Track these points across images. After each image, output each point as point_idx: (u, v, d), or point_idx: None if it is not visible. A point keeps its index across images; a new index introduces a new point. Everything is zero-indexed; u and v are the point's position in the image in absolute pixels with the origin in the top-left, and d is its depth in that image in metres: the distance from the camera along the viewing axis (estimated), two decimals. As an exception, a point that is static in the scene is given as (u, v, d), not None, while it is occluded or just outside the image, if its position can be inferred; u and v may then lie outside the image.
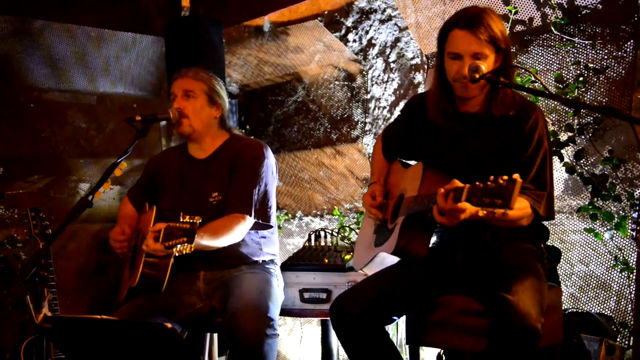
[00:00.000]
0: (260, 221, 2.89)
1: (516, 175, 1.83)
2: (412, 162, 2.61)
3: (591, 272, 3.30)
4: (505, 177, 1.84)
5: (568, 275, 3.36)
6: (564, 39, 3.34)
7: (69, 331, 2.21)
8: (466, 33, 2.27)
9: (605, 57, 3.25)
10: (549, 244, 3.12)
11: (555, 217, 3.39)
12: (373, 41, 4.34)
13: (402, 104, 4.16)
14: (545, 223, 3.32)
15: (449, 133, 2.46)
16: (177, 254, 2.43)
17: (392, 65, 4.25)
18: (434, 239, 2.58)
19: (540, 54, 3.48)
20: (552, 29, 3.35)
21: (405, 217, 2.37)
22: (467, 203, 1.95)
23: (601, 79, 3.25)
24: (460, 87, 2.36)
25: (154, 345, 2.12)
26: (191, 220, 2.34)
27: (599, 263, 3.27)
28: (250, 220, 2.84)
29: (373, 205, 2.59)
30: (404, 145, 2.67)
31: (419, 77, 4.11)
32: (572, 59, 3.34)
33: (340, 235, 3.54)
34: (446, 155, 2.45)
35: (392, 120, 4.17)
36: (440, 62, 2.40)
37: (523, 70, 3.35)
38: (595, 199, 3.17)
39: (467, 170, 2.34)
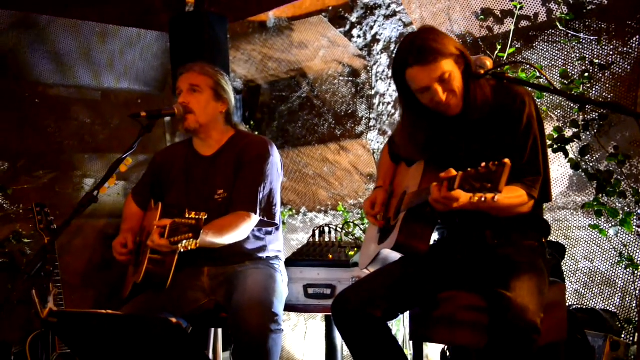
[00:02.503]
0: (265, 219, 2.89)
1: (506, 160, 1.83)
2: None
3: (596, 268, 3.29)
4: (496, 162, 1.85)
5: (572, 272, 3.36)
6: (570, 35, 3.34)
7: (74, 326, 2.22)
8: (419, 68, 2.24)
9: (611, 53, 3.24)
10: (553, 240, 3.12)
11: (560, 213, 3.41)
12: (377, 37, 4.33)
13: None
14: (550, 219, 3.33)
15: (443, 141, 2.44)
16: (182, 250, 2.43)
17: (397, 60, 4.23)
18: (435, 236, 2.59)
19: (545, 49, 3.47)
20: (558, 24, 3.34)
21: (406, 213, 2.37)
22: (460, 190, 1.96)
23: (606, 74, 3.24)
24: (444, 109, 2.34)
25: (158, 340, 2.13)
26: (197, 217, 2.35)
27: (603, 259, 3.27)
28: (255, 218, 2.85)
29: (370, 214, 2.63)
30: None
31: (423, 73, 4.10)
32: (578, 55, 3.33)
33: (344, 231, 3.54)
34: (449, 155, 2.44)
35: (397, 118, 4.18)
36: (406, 95, 2.37)
37: (528, 66, 3.35)
38: (600, 195, 3.16)
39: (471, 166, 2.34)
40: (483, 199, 1.89)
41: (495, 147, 2.32)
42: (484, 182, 1.87)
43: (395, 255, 2.50)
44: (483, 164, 1.89)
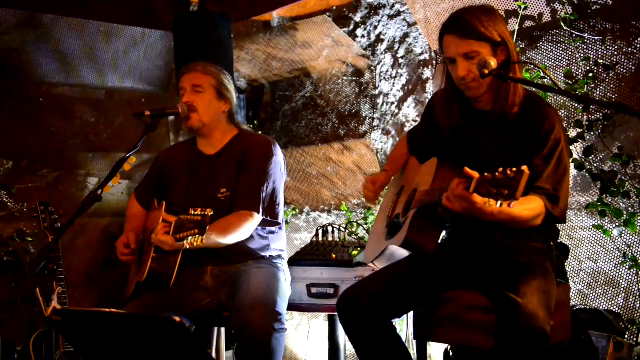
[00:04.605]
0: (268, 218, 2.90)
1: (524, 167, 1.82)
2: None
3: (599, 268, 3.29)
4: (514, 169, 1.83)
5: (576, 272, 3.35)
6: (574, 35, 3.33)
7: (78, 324, 2.22)
8: (452, 37, 2.31)
9: (615, 53, 3.23)
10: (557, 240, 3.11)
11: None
12: (382, 37, 4.33)
13: (410, 100, 4.16)
14: (554, 220, 3.32)
15: (465, 132, 2.45)
16: (188, 247, 2.43)
17: (401, 60, 4.24)
18: (443, 236, 2.58)
19: (549, 49, 3.47)
20: (562, 24, 3.34)
21: (417, 211, 2.36)
22: (476, 194, 1.94)
23: (611, 75, 3.23)
24: (465, 89, 2.37)
25: (162, 339, 2.13)
26: (203, 213, 2.35)
27: (607, 260, 3.26)
28: (258, 218, 2.85)
29: (369, 190, 2.71)
30: (428, 143, 2.68)
31: (427, 73, 4.10)
32: (582, 55, 3.33)
33: (347, 231, 3.54)
34: (462, 154, 2.44)
35: (401, 118, 4.17)
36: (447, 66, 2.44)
37: (532, 66, 3.34)
38: (604, 195, 3.16)
39: (482, 168, 2.33)
40: (499, 204, 1.87)
41: (520, 154, 2.31)
42: (500, 188, 1.84)
43: (402, 252, 2.49)
44: (500, 170, 1.86)
